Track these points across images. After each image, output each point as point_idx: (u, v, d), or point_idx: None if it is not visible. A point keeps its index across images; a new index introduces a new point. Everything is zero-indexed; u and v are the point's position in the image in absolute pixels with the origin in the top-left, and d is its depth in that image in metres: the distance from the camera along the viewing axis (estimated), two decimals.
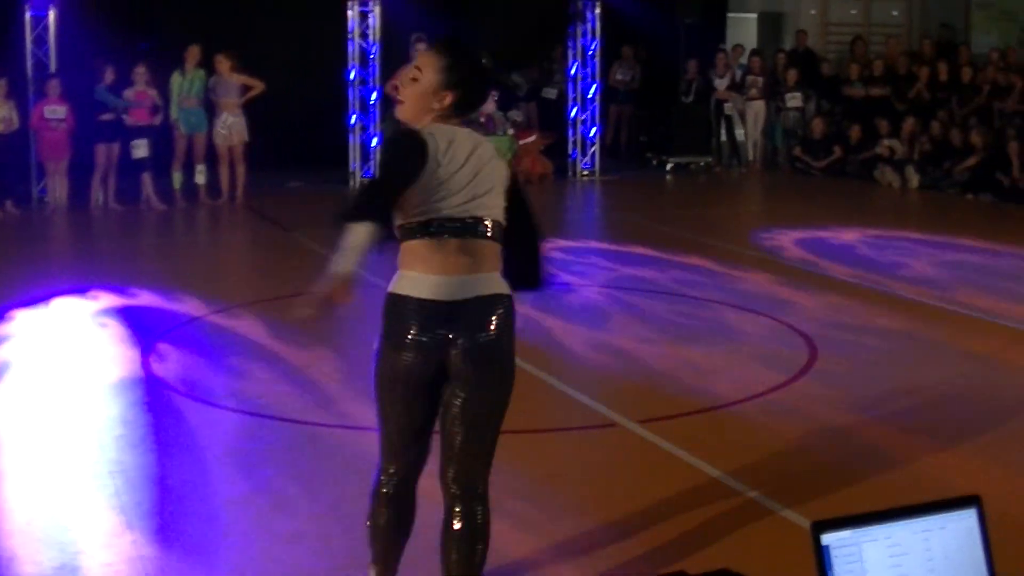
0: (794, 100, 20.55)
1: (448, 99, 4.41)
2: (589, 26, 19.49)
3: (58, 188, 16.04)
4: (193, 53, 16.37)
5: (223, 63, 16.30)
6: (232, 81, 16.40)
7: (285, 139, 18.69)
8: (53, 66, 16.27)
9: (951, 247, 13.44)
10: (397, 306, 4.36)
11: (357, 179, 17.98)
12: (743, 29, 24.20)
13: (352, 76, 18.10)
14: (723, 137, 21.35)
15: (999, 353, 9.17)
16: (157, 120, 16.25)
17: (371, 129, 18.14)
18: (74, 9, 16.72)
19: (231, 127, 16.44)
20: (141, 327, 9.82)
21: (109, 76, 15.81)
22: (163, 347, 9.31)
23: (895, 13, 24.41)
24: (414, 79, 4.47)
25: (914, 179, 18.33)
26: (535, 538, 5.70)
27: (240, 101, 16.47)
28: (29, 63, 16.32)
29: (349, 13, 18.02)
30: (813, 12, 24.14)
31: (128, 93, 15.98)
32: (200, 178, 16.59)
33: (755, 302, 10.69)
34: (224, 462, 6.84)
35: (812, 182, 19.32)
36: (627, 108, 21.64)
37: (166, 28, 18.51)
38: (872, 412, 7.69)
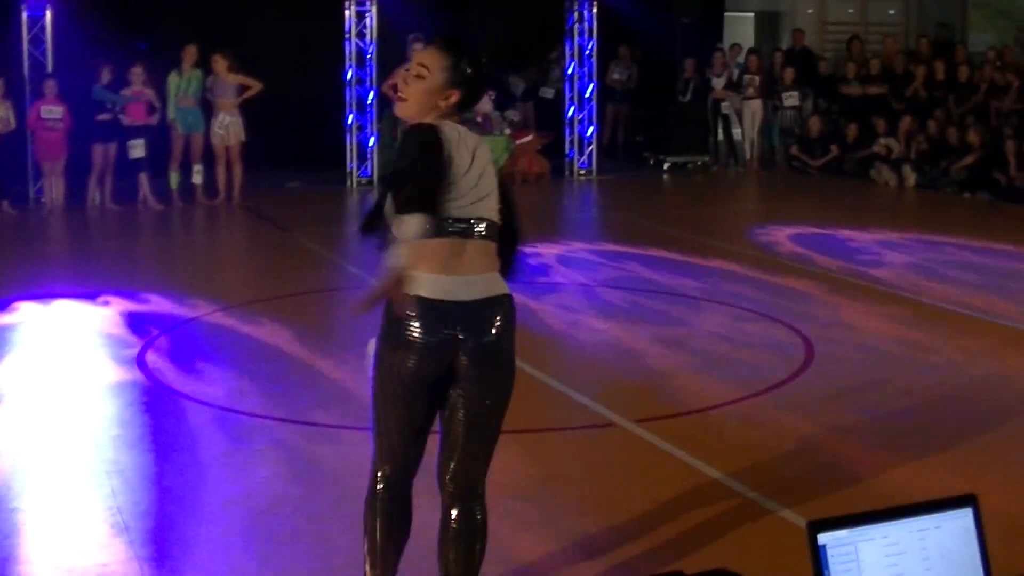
0: (791, 99, 20.55)
1: (453, 98, 4.39)
2: (586, 25, 19.49)
3: (55, 188, 16.03)
4: (190, 53, 16.36)
5: (220, 63, 16.29)
6: (229, 81, 16.39)
7: (282, 139, 18.67)
8: (50, 66, 16.26)
9: (948, 246, 13.44)
10: (417, 305, 4.30)
11: (354, 179, 17.97)
12: (740, 28, 24.20)
13: (349, 76, 18.09)
14: (720, 136, 21.34)
15: (997, 352, 9.17)
16: (154, 120, 16.25)
17: (368, 129, 18.13)
18: (71, 9, 16.73)
19: (228, 127, 16.43)
20: (138, 327, 9.82)
21: (106, 76, 15.81)
22: (160, 347, 9.30)
23: (892, 12, 24.44)
24: (420, 77, 4.37)
25: (911, 178, 18.33)
26: (533, 538, 5.70)
27: (237, 101, 16.46)
28: (26, 63, 16.31)
29: (346, 13, 18.02)
30: (810, 11, 24.16)
31: (125, 93, 15.97)
32: (197, 178, 16.58)
33: (752, 301, 10.69)
34: (221, 462, 6.84)
35: (809, 181, 19.32)
36: (624, 107, 21.64)
37: (163, 28, 18.51)
38: (869, 411, 7.70)
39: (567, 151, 19.55)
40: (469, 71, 4.38)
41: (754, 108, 20.62)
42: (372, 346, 4.46)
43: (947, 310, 10.39)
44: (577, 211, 17.90)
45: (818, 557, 2.49)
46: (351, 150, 18.12)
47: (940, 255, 12.93)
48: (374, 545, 4.61)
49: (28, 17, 16.36)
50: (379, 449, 4.53)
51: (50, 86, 15.71)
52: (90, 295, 10.89)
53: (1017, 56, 20.50)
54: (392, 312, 4.33)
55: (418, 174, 4.21)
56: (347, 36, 18.05)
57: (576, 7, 19.42)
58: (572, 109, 19.64)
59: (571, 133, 19.65)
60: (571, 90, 19.68)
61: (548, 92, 20.72)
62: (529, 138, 18.90)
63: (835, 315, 10.26)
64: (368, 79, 18.08)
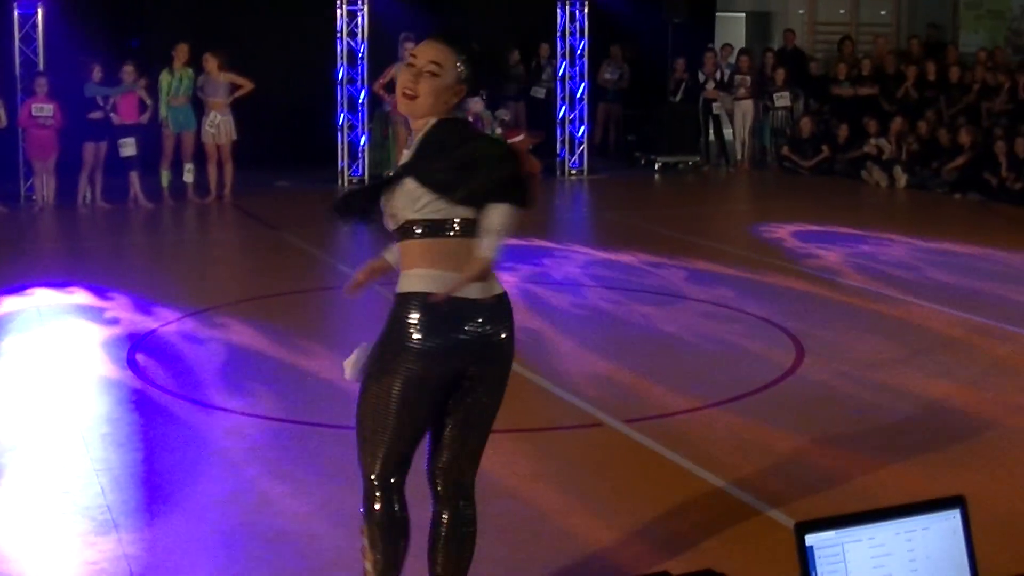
0: (782, 99, 20.56)
1: (462, 94, 4.35)
2: (578, 25, 19.48)
3: (46, 186, 16.00)
4: (182, 52, 16.35)
5: (211, 62, 16.28)
6: (220, 80, 16.38)
7: (273, 138, 18.68)
8: (41, 64, 16.24)
9: (939, 247, 13.45)
10: (426, 305, 4.23)
11: (345, 177, 17.96)
12: (731, 28, 24.23)
13: (341, 75, 18.08)
14: (711, 136, 21.36)
15: (987, 354, 9.18)
16: (145, 118, 16.24)
17: (359, 128, 18.13)
18: (62, 7, 16.70)
19: (219, 126, 16.42)
20: (127, 325, 9.81)
21: (97, 74, 15.79)
22: (149, 345, 9.29)
23: (883, 13, 24.46)
24: (433, 74, 4.25)
25: (902, 179, 18.35)
26: (521, 537, 5.71)
27: (228, 100, 16.45)
28: (17, 61, 16.29)
29: (338, 12, 18.01)
30: (801, 11, 24.18)
31: (116, 94, 15.97)
32: (188, 176, 16.56)
33: (742, 302, 10.69)
34: (210, 461, 6.84)
35: (800, 181, 19.33)
36: (615, 107, 21.64)
37: (155, 26, 18.49)
38: (858, 412, 7.71)
39: (558, 151, 19.53)
40: (473, 67, 4.33)
41: (745, 108, 20.63)
42: (359, 356, 4.37)
43: (937, 311, 10.40)
44: (568, 211, 17.89)
45: (805, 558, 2.49)
46: (342, 149, 18.11)
47: (931, 256, 12.94)
48: (387, 559, 4.42)
49: (20, 15, 16.33)
50: (378, 458, 4.34)
51: (41, 84, 15.69)
52: (80, 293, 10.87)
53: (1008, 57, 20.53)
54: (403, 316, 4.24)
55: (511, 165, 4.19)
56: (338, 35, 18.03)
57: (568, 7, 19.41)
58: (563, 109, 19.63)
59: (562, 133, 19.64)
60: (562, 90, 19.67)
61: (539, 92, 20.71)
62: (520, 138, 18.68)
63: (825, 316, 10.27)
64: (359, 78, 18.06)
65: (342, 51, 18.04)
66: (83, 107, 15.78)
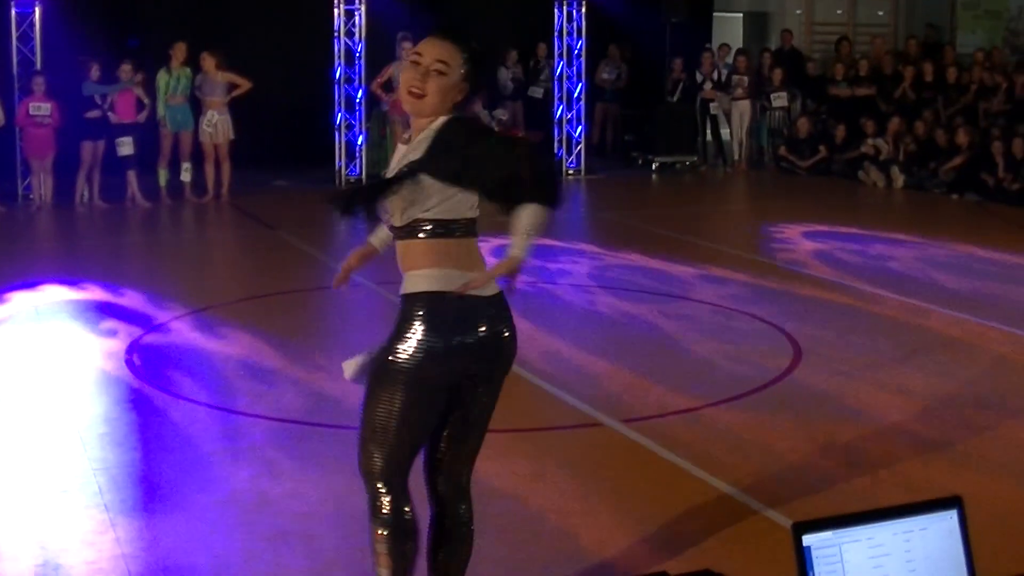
0: (780, 100, 20.56)
1: (465, 92, 4.33)
2: (575, 25, 19.48)
3: (43, 185, 16.00)
4: (179, 51, 16.34)
5: (208, 61, 16.28)
6: (218, 79, 16.38)
7: (271, 137, 18.67)
8: (39, 63, 16.23)
9: (937, 247, 13.46)
10: (443, 304, 4.20)
11: (343, 177, 17.95)
12: (729, 28, 24.23)
13: (338, 74, 18.06)
14: (709, 136, 21.35)
15: (985, 354, 9.19)
16: (142, 117, 16.24)
17: (357, 127, 18.11)
18: (60, 6, 16.69)
19: (216, 125, 16.42)
20: (125, 324, 9.81)
21: (95, 73, 15.79)
22: (147, 345, 9.30)
23: (880, 13, 24.46)
24: (441, 72, 4.20)
25: (899, 179, 18.35)
26: (519, 537, 5.71)
27: (226, 99, 16.45)
28: (15, 60, 16.28)
29: (335, 11, 17.99)
30: (799, 12, 24.18)
31: (114, 92, 15.97)
32: (186, 176, 16.57)
33: (739, 301, 10.70)
34: (208, 460, 6.84)
35: (797, 182, 19.33)
36: (613, 107, 21.64)
37: (153, 25, 18.48)
38: (856, 413, 7.71)
39: (556, 151, 19.54)
40: (474, 65, 4.32)
41: (742, 108, 20.63)
42: (363, 360, 4.33)
43: (935, 311, 10.40)
44: (565, 211, 17.83)
45: (803, 558, 2.50)
46: (340, 148, 18.09)
47: (928, 256, 12.95)
48: (403, 562, 4.37)
49: (17, 14, 16.32)
50: (386, 462, 4.29)
51: (38, 83, 15.68)
52: (78, 292, 10.87)
53: (1005, 57, 20.53)
54: (433, 311, 4.21)
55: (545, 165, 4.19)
56: (336, 34, 18.02)
57: (565, 6, 19.41)
58: (561, 109, 19.63)
59: (560, 133, 19.64)
60: (560, 90, 19.66)
61: (537, 91, 20.71)
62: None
63: (823, 316, 10.27)
64: (357, 77, 18.05)
65: (339, 50, 18.03)
66: (81, 106, 15.78)
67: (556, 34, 19.56)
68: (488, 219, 4.30)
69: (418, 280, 4.23)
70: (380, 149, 17.86)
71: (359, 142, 18.06)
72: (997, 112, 18.69)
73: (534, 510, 6.07)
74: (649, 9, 20.60)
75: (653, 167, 20.41)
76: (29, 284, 11.16)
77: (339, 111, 18.07)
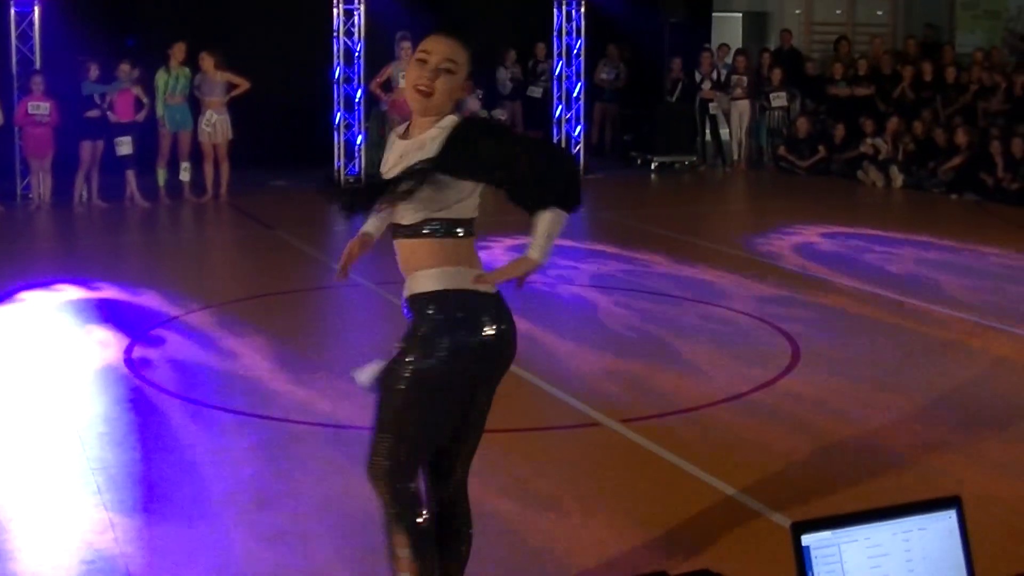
0: (779, 99, 20.56)
1: (468, 91, 4.33)
2: (574, 25, 19.48)
3: (42, 185, 16.00)
4: (179, 50, 16.34)
5: (207, 61, 16.29)
6: (217, 79, 16.39)
7: (270, 137, 18.66)
8: (38, 62, 16.23)
9: (935, 247, 13.46)
10: (468, 301, 4.21)
11: (342, 177, 17.94)
12: (728, 28, 24.24)
13: (337, 74, 18.06)
14: (708, 136, 21.36)
15: (984, 354, 9.19)
16: (141, 117, 16.25)
17: (356, 127, 18.11)
18: (59, 5, 16.69)
19: (215, 125, 16.42)
20: (124, 324, 9.80)
21: (94, 72, 15.79)
22: (146, 344, 9.29)
23: (879, 13, 24.48)
24: (449, 71, 4.20)
25: (898, 179, 18.36)
26: (517, 537, 5.71)
27: (225, 99, 16.46)
28: (14, 59, 16.28)
29: (334, 11, 17.99)
30: (798, 11, 24.19)
31: (113, 91, 15.98)
32: (184, 175, 16.57)
33: (738, 301, 10.70)
34: (207, 460, 6.83)
35: (796, 181, 19.33)
36: (612, 107, 21.65)
37: (152, 25, 18.47)
38: (854, 412, 7.71)
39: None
40: (473, 64, 4.32)
41: (742, 108, 20.63)
42: (376, 367, 4.28)
43: (934, 311, 10.40)
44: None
45: (802, 558, 2.50)
46: (339, 148, 18.09)
47: (927, 256, 12.95)
48: (430, 564, 4.36)
49: (16, 13, 16.32)
50: (408, 465, 4.29)
51: (37, 82, 15.68)
52: (77, 292, 10.88)
53: (1004, 57, 20.54)
54: (458, 309, 4.21)
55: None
56: (335, 34, 18.01)
57: (564, 6, 19.41)
58: (560, 108, 19.63)
59: (559, 132, 19.64)
60: (559, 89, 19.67)
61: (536, 91, 20.72)
62: None
63: (821, 316, 10.27)
64: (356, 77, 18.04)
65: (339, 50, 18.02)
66: (80, 106, 15.79)
67: (555, 34, 19.56)
68: (486, 219, 4.30)
69: (428, 279, 4.22)
70: (379, 149, 17.64)
71: (358, 142, 18.06)
72: (996, 112, 18.70)
73: (533, 510, 6.07)
74: (648, 9, 20.59)
75: (652, 167, 20.42)
76: (28, 284, 11.16)
77: (338, 111, 18.06)
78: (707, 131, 21.27)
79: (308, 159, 18.43)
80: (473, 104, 17.25)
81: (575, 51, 19.54)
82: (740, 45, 22.48)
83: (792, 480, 6.52)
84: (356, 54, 18.02)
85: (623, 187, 19.03)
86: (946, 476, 6.54)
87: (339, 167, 18.03)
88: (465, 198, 4.19)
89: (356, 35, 18.03)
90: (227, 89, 16.46)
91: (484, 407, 4.43)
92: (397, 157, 4.28)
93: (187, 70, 16.39)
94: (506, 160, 4.08)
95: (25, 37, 16.37)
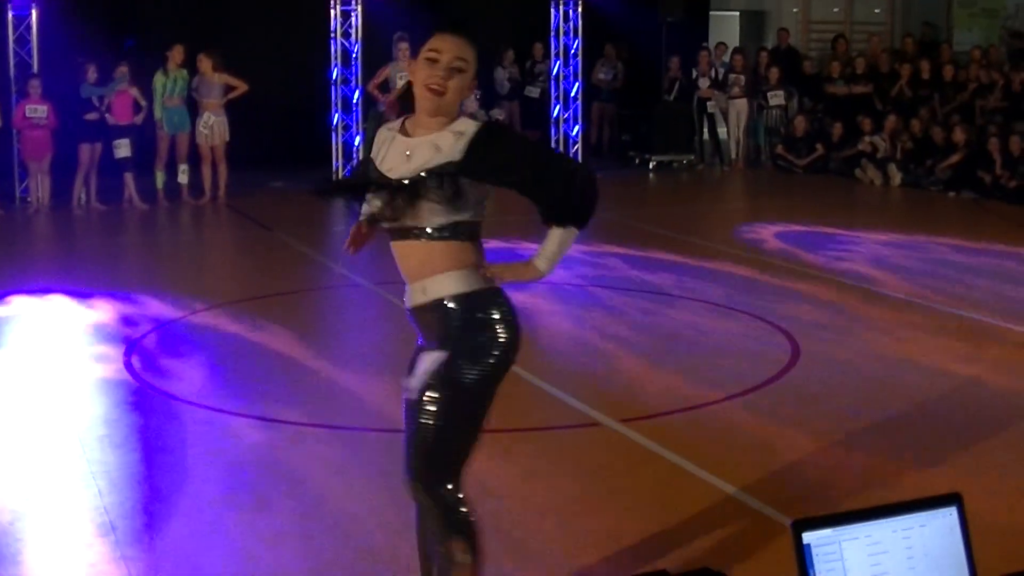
0: (776, 98, 20.57)
1: (473, 90, 4.33)
2: (572, 24, 19.49)
3: (40, 187, 16.01)
4: (177, 53, 16.34)
5: (205, 63, 16.29)
6: (214, 81, 16.39)
7: (267, 138, 18.67)
8: (36, 66, 16.23)
9: (934, 245, 13.47)
10: (495, 299, 4.26)
11: (339, 178, 17.91)
12: (726, 27, 24.24)
13: (335, 75, 18.08)
14: (706, 135, 21.37)
15: (983, 352, 9.19)
16: (139, 119, 16.25)
17: (354, 128, 18.12)
18: (57, 9, 16.70)
19: (213, 127, 16.43)
20: (123, 327, 9.81)
21: (92, 75, 15.79)
22: (146, 347, 9.29)
23: (877, 11, 24.48)
24: (460, 70, 4.20)
25: (896, 177, 18.36)
26: (516, 537, 5.70)
27: (222, 101, 16.47)
28: (11, 62, 16.29)
29: (332, 12, 18.00)
30: (795, 10, 24.20)
31: (113, 87, 15.98)
32: (183, 177, 16.57)
33: (737, 300, 10.70)
34: (207, 462, 6.83)
35: (794, 180, 19.34)
36: (610, 106, 21.65)
37: (150, 27, 18.47)
38: (854, 411, 7.71)
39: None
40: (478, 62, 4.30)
41: (739, 107, 20.64)
42: (421, 380, 4.23)
43: (933, 310, 10.41)
44: None
45: (803, 556, 2.50)
46: (336, 149, 18.11)
47: (925, 254, 12.96)
48: (481, 564, 4.36)
49: (14, 16, 16.33)
50: (458, 468, 4.25)
51: (35, 85, 15.69)
52: (76, 295, 10.87)
53: (1002, 55, 20.54)
54: (501, 309, 4.26)
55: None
56: (332, 35, 18.02)
57: (562, 6, 19.42)
58: (558, 108, 19.65)
59: (557, 132, 19.66)
60: (557, 89, 19.69)
61: (534, 91, 20.72)
62: None
63: (820, 314, 10.27)
64: (353, 78, 18.05)
65: (336, 51, 18.03)
66: (78, 108, 15.79)
67: (552, 33, 19.58)
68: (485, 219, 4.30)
69: (454, 281, 4.20)
70: None
71: (356, 143, 18.06)
72: (994, 109, 18.71)
73: (533, 510, 6.07)
74: (646, 8, 20.61)
75: (650, 166, 20.43)
76: (27, 286, 11.16)
77: (335, 112, 18.08)
78: (705, 130, 21.28)
79: (306, 160, 18.44)
80: (471, 104, 17.24)
81: (572, 51, 19.55)
82: (738, 44, 22.50)
83: (792, 478, 6.52)
84: (353, 55, 18.02)
85: (621, 186, 19.00)
86: (946, 475, 6.53)
87: (337, 168, 18.03)
88: (482, 201, 4.21)
89: (353, 36, 18.03)
90: (225, 91, 16.46)
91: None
92: (402, 155, 4.23)
93: (185, 72, 16.39)
94: (544, 173, 4.12)
95: (23, 41, 16.38)
